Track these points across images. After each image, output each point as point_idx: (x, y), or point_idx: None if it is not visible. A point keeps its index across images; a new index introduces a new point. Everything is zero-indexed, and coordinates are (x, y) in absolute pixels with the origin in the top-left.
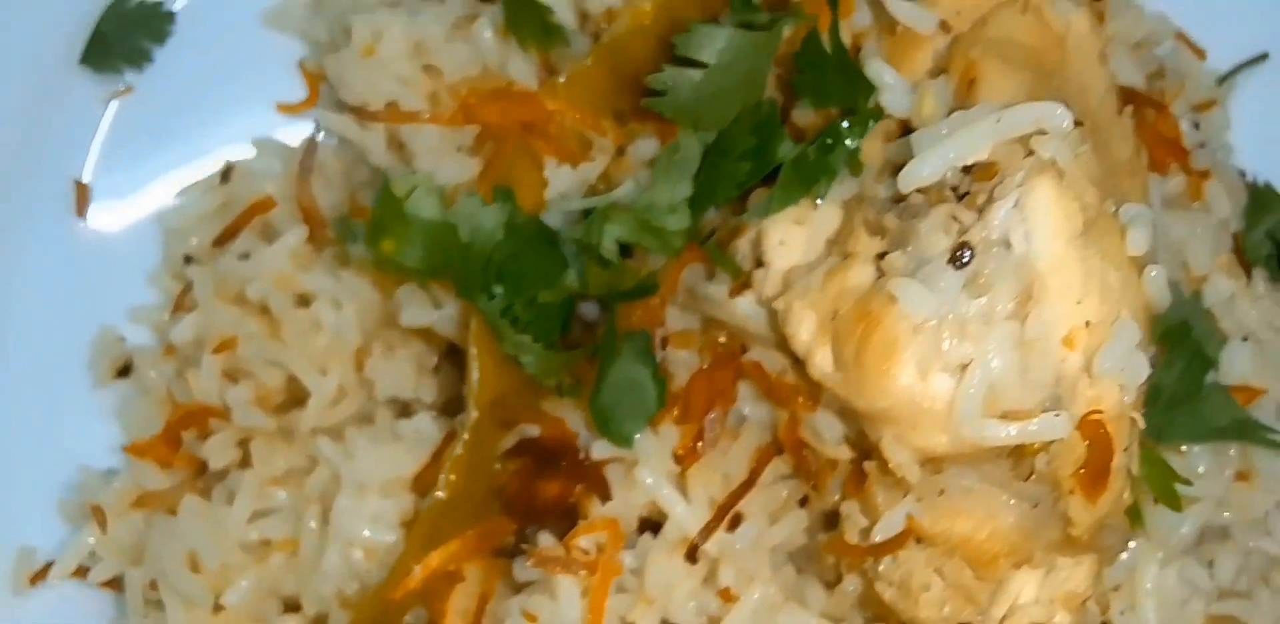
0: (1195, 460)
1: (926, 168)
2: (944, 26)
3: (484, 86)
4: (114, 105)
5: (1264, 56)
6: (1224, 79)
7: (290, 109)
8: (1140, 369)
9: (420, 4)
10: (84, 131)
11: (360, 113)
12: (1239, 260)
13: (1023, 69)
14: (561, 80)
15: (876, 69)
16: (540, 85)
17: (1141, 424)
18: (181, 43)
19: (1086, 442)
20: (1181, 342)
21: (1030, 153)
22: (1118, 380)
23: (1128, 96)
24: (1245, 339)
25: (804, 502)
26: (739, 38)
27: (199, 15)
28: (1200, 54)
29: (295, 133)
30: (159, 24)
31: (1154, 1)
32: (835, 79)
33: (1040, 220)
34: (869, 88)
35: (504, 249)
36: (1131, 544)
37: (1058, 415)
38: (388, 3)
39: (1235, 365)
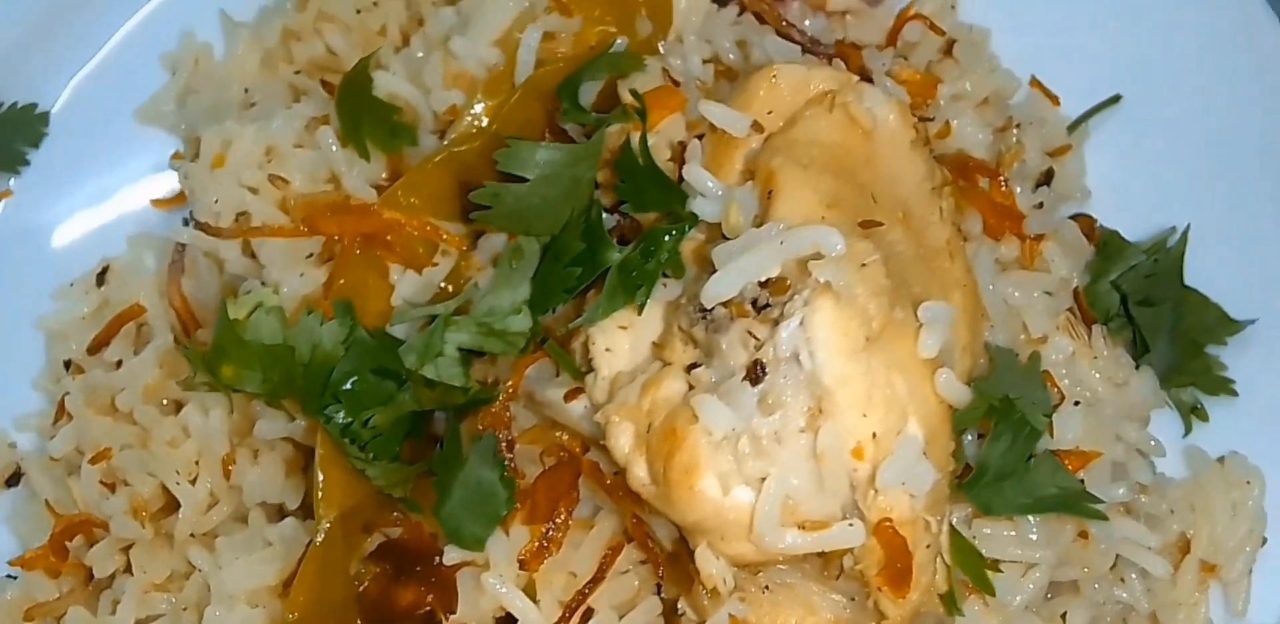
0: (1028, 527)
1: (723, 286)
2: (757, 127)
3: (323, 199)
4: None
5: (1116, 99)
6: (1076, 124)
7: (164, 204)
8: (925, 478)
9: (274, 106)
10: None
11: (207, 229)
12: (1082, 315)
13: (823, 173)
14: (400, 193)
15: (694, 174)
16: (381, 192)
17: (935, 527)
18: (57, 143)
19: (883, 545)
20: (1007, 416)
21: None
22: (905, 491)
23: (961, 167)
24: (1078, 403)
25: (659, 587)
26: (557, 152)
27: (73, 115)
28: (1055, 100)
29: (175, 225)
30: (33, 126)
31: (1009, 47)
32: (650, 187)
33: (821, 339)
34: (683, 194)
35: (343, 368)
36: (976, 607)
37: (851, 524)
38: (244, 103)
39: (1068, 430)
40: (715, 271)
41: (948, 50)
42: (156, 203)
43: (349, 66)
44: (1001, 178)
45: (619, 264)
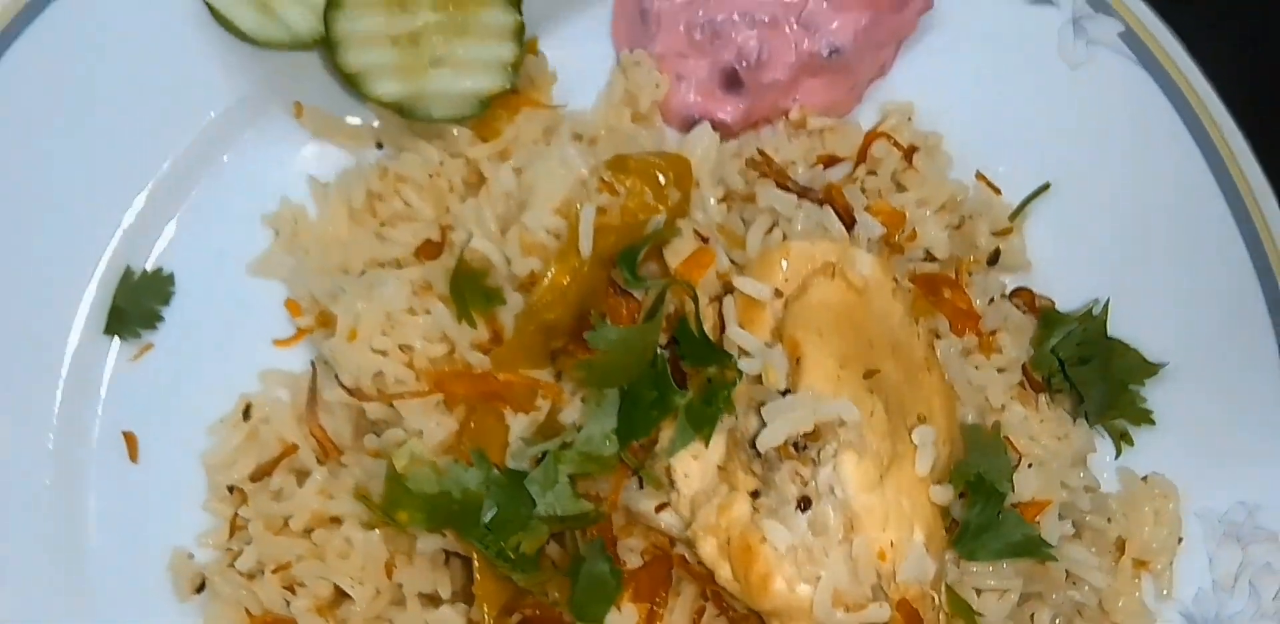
0: (1002, 565)
1: (774, 437)
2: (777, 293)
3: (449, 369)
4: (142, 361)
5: (1046, 186)
6: (1016, 212)
7: (285, 343)
8: (928, 570)
9: (381, 274)
10: (122, 388)
11: (356, 393)
12: (1030, 385)
13: (834, 335)
14: (507, 356)
15: (736, 335)
16: (489, 353)
17: (938, 598)
18: (184, 299)
19: (903, 616)
20: (979, 488)
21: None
22: (915, 579)
23: (930, 284)
24: (1031, 465)
25: None
26: (630, 331)
27: (196, 274)
28: (996, 191)
29: (297, 359)
30: (162, 287)
31: (957, 145)
32: (703, 351)
33: (847, 480)
34: (727, 354)
35: (487, 505)
36: None
37: (881, 606)
38: (349, 268)
39: (1026, 486)
40: (765, 425)
41: (908, 157)
42: (278, 342)
43: (424, 217)
44: (963, 286)
45: (685, 408)
